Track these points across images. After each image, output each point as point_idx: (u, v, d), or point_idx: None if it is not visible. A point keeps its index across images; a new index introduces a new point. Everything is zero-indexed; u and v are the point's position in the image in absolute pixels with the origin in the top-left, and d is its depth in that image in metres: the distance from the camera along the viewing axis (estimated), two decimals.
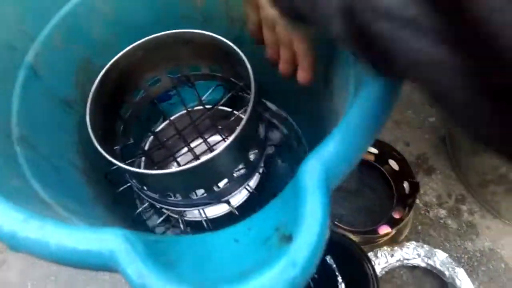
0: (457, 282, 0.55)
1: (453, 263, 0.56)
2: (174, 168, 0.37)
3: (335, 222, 0.59)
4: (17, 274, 0.67)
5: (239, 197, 0.58)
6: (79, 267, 0.25)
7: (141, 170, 0.38)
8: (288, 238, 0.24)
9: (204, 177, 0.42)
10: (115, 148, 0.48)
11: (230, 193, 0.47)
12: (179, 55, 0.48)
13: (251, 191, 0.54)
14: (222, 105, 0.55)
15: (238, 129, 0.38)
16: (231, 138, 0.38)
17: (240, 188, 0.48)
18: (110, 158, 0.38)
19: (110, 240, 0.25)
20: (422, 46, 0.16)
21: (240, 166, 0.52)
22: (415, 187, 0.57)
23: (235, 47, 0.42)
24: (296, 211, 0.25)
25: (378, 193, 0.64)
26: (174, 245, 0.28)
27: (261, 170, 0.55)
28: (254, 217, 0.31)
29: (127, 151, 0.51)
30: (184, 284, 0.23)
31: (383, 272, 0.58)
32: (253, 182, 0.58)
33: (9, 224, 0.26)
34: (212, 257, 0.28)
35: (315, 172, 0.26)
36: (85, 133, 0.55)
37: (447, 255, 0.56)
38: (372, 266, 0.48)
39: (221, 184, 0.45)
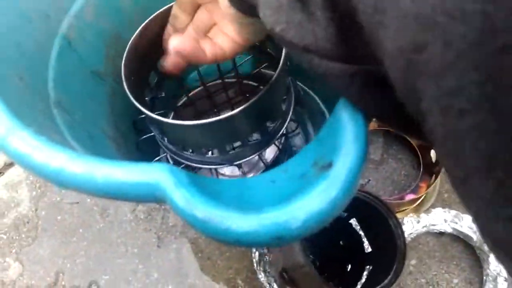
0: (485, 246, 0.55)
1: None
2: (191, 121, 0.38)
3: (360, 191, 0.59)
4: (48, 251, 0.70)
5: (255, 170, 0.59)
6: (126, 198, 0.26)
7: (161, 118, 0.38)
8: (327, 166, 0.25)
9: (219, 135, 0.43)
10: (146, 98, 0.49)
11: (243, 158, 0.48)
12: None
13: (266, 164, 0.55)
14: (254, 79, 0.57)
15: (261, 92, 0.39)
16: (252, 100, 0.39)
17: (253, 156, 0.48)
18: (135, 103, 0.39)
19: (156, 172, 0.25)
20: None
21: (257, 135, 0.53)
22: None
23: None
24: (334, 142, 0.26)
25: (404, 163, 0.65)
26: (215, 183, 0.29)
27: (280, 146, 0.56)
28: (289, 161, 0.32)
29: (158, 104, 0.52)
30: (229, 208, 0.24)
31: (409, 239, 0.59)
32: (268, 155, 0.59)
33: (56, 161, 0.26)
34: (252, 193, 0.29)
35: (353, 105, 0.26)
36: (117, 106, 0.57)
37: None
38: (399, 223, 0.47)
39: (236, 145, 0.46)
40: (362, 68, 0.24)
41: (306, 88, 0.63)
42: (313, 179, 0.25)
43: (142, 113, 0.40)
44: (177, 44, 0.36)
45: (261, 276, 0.59)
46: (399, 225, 0.46)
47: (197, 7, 0.36)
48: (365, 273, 0.50)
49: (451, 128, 0.14)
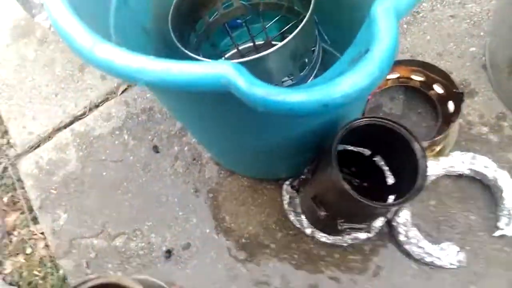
0: (499, 182, 0.59)
1: (496, 166, 0.60)
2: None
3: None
4: (95, 203, 0.76)
5: None
6: (196, 89, 0.32)
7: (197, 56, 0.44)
8: (365, 52, 0.30)
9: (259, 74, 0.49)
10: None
11: None
12: None
13: None
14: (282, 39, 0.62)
15: (296, 30, 0.45)
16: (285, 41, 0.44)
17: None
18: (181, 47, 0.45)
19: (221, 65, 0.31)
20: None
21: (288, 77, 0.58)
22: (460, 99, 0.61)
23: None
24: (369, 36, 0.31)
25: (424, 116, 0.69)
26: None
27: None
28: (328, 70, 0.37)
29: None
30: (283, 88, 0.30)
31: (429, 182, 0.63)
32: None
33: (137, 62, 0.32)
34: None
35: (386, 4, 0.32)
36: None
37: (490, 159, 0.61)
38: (422, 146, 0.48)
39: None
40: None
41: (331, 49, 0.68)
42: (355, 64, 0.31)
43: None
44: None
45: (291, 216, 0.65)
46: (421, 148, 0.48)
47: None
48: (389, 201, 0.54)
49: None
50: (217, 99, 0.36)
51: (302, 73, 0.55)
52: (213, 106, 0.40)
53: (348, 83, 0.29)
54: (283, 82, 0.55)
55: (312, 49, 0.57)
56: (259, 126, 0.43)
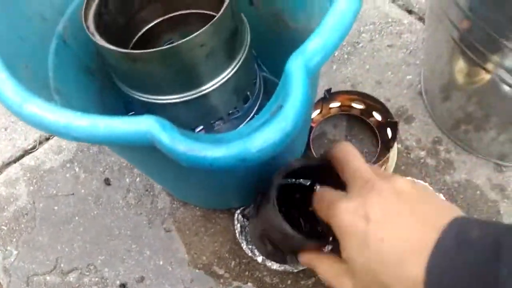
0: None
1: (434, 190, 0.64)
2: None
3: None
4: (47, 238, 0.75)
5: None
6: (124, 143, 0.33)
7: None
8: (279, 108, 0.33)
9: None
10: None
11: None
12: None
13: None
14: None
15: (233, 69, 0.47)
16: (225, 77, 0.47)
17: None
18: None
19: (147, 121, 0.33)
20: None
21: (234, 109, 0.60)
22: (395, 127, 0.65)
23: None
24: (285, 92, 0.33)
25: (365, 141, 0.73)
26: (192, 133, 0.37)
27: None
28: (254, 118, 0.39)
29: None
30: (205, 142, 0.32)
31: None
32: None
33: (64, 118, 0.33)
34: (221, 140, 0.36)
35: (298, 62, 0.34)
36: (108, 100, 0.63)
37: (427, 183, 0.64)
38: None
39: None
40: None
41: (273, 78, 0.70)
42: (269, 119, 0.33)
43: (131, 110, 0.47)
44: None
45: (244, 245, 0.66)
46: None
47: None
48: None
49: None
50: (148, 151, 0.38)
51: (246, 105, 0.58)
52: (148, 156, 0.42)
53: (263, 138, 0.31)
54: (229, 114, 0.57)
55: (253, 81, 0.59)
56: (195, 174, 0.44)
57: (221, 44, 0.47)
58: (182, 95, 0.48)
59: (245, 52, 0.50)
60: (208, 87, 0.48)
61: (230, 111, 0.61)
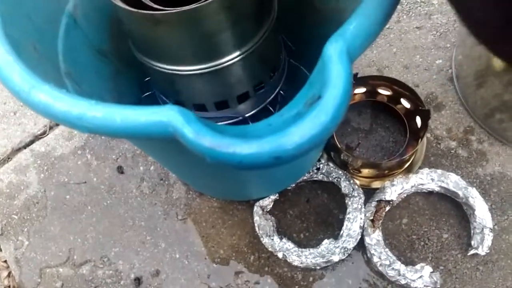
0: (471, 200, 0.59)
1: (466, 183, 0.60)
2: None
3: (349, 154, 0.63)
4: (59, 229, 0.73)
5: None
6: (142, 137, 0.30)
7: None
8: (317, 99, 0.29)
9: None
10: None
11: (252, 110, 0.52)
12: None
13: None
14: None
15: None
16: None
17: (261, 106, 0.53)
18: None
19: (168, 112, 0.29)
20: None
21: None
22: (426, 116, 0.61)
23: None
24: (323, 80, 0.30)
25: (392, 130, 0.69)
26: (218, 125, 0.33)
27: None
28: (284, 107, 0.35)
29: None
30: (234, 136, 0.28)
31: (400, 199, 0.63)
32: None
33: (77, 108, 0.30)
34: (251, 132, 0.33)
35: (338, 46, 0.30)
36: (121, 85, 0.60)
37: (459, 176, 0.60)
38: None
39: None
40: None
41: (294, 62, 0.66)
42: (305, 112, 0.29)
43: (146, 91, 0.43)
44: None
45: (263, 238, 0.63)
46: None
47: None
48: None
49: None
50: (168, 143, 0.34)
51: (271, 80, 0.54)
52: (168, 149, 0.38)
53: (299, 134, 0.27)
54: (255, 89, 0.53)
55: (279, 55, 0.55)
56: (219, 169, 0.41)
57: (249, 8, 0.42)
58: (206, 65, 0.44)
59: (273, 20, 0.46)
60: (234, 56, 0.44)
61: (256, 85, 0.58)
